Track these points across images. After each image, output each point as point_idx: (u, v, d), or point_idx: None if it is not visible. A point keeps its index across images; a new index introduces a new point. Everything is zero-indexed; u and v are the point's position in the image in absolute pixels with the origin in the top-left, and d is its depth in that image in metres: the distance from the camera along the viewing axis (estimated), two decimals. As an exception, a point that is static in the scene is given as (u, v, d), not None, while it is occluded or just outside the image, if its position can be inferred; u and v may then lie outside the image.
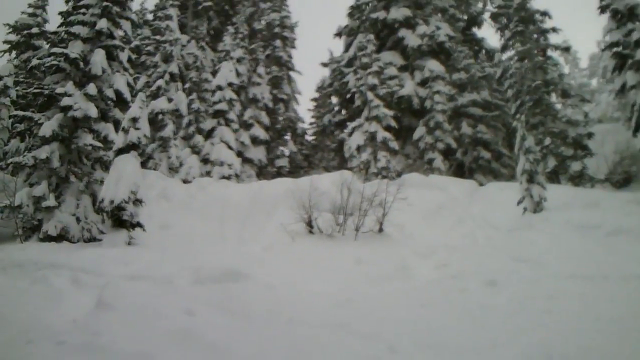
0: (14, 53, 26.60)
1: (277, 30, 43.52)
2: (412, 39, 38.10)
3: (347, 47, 43.04)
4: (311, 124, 44.99)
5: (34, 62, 19.25)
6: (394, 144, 33.10)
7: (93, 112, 17.74)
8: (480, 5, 43.30)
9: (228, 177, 31.39)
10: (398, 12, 39.19)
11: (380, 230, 17.55)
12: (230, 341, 6.34)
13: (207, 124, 34.20)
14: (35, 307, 7.41)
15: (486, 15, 41.54)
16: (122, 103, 19.19)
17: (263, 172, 37.35)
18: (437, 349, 6.54)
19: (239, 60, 37.71)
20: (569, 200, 18.45)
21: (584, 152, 25.14)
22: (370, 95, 34.04)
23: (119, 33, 19.75)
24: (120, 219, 16.51)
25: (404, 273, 12.41)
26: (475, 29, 43.39)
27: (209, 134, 34.07)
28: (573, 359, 5.79)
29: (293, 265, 13.25)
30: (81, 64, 18.47)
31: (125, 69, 19.86)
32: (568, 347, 6.16)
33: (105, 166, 18.17)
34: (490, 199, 22.72)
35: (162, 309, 7.37)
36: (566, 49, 29.48)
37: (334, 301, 9.31)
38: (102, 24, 18.73)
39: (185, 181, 28.58)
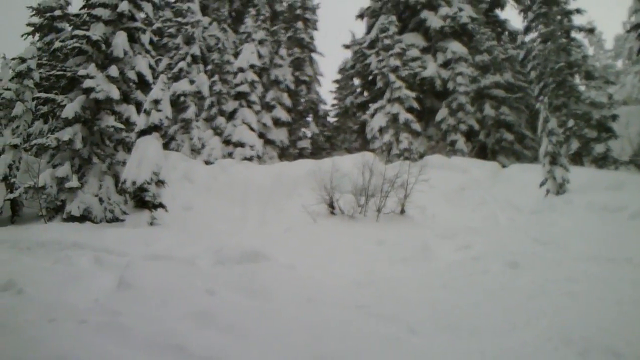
0: (37, 36, 26.88)
1: (298, 12, 43.29)
2: (434, 21, 37.84)
3: (369, 29, 42.80)
4: (333, 105, 44.82)
5: (57, 44, 19.37)
6: (416, 126, 33.09)
7: (115, 94, 17.87)
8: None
9: (250, 159, 31.55)
10: (420, -6, 38.88)
11: (402, 211, 17.56)
12: (249, 321, 6.37)
13: (229, 105, 34.36)
14: (58, 287, 7.49)
15: (509, -3, 41.01)
16: (144, 85, 19.29)
17: (285, 153, 37.40)
18: (457, 330, 6.52)
19: (260, 42, 37.72)
20: (592, 182, 18.24)
21: (607, 134, 24.71)
22: (392, 76, 33.99)
23: (140, 15, 19.86)
24: (142, 199, 16.67)
25: (425, 254, 12.36)
26: (498, 11, 42.73)
27: (231, 116, 34.22)
28: (594, 342, 5.73)
29: (314, 246, 13.26)
30: (103, 46, 18.57)
31: (147, 51, 19.94)
32: (589, 330, 6.10)
33: (128, 148, 18.31)
34: (513, 180, 22.57)
35: (183, 289, 7.43)
36: (590, 31, 28.96)
37: (355, 282, 9.32)
38: (124, 6, 18.77)
39: (207, 162, 28.77)
